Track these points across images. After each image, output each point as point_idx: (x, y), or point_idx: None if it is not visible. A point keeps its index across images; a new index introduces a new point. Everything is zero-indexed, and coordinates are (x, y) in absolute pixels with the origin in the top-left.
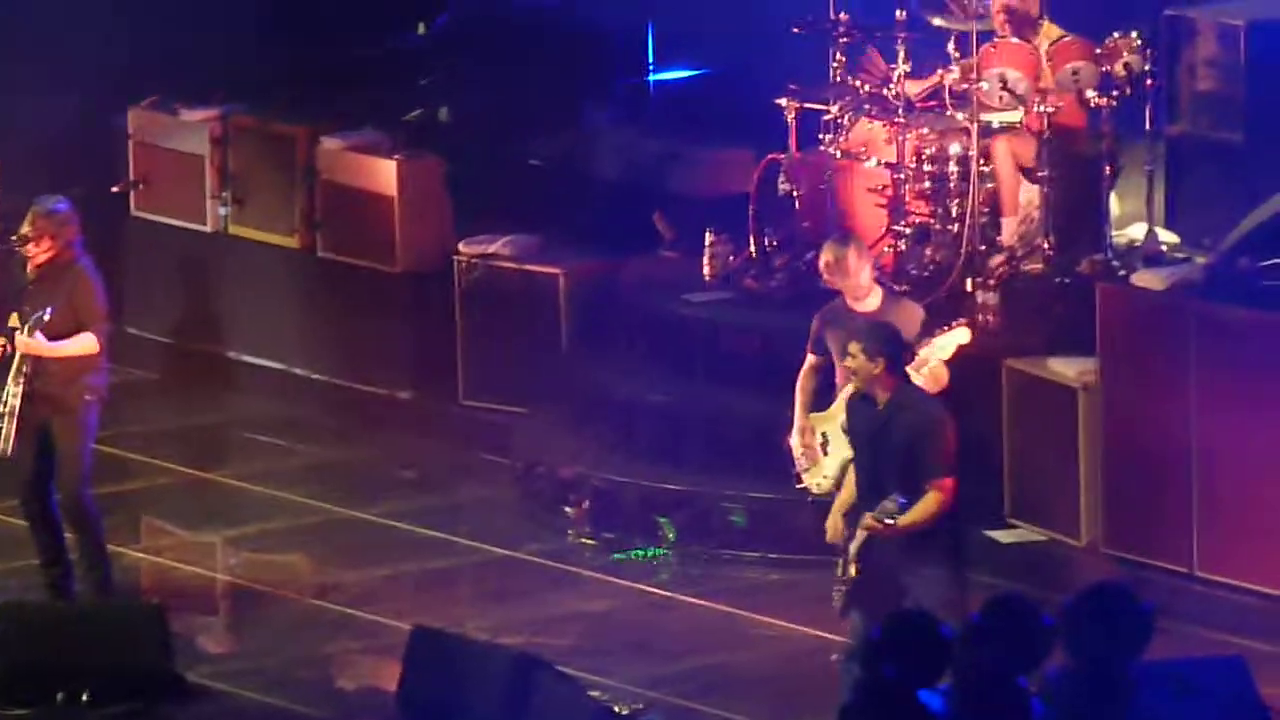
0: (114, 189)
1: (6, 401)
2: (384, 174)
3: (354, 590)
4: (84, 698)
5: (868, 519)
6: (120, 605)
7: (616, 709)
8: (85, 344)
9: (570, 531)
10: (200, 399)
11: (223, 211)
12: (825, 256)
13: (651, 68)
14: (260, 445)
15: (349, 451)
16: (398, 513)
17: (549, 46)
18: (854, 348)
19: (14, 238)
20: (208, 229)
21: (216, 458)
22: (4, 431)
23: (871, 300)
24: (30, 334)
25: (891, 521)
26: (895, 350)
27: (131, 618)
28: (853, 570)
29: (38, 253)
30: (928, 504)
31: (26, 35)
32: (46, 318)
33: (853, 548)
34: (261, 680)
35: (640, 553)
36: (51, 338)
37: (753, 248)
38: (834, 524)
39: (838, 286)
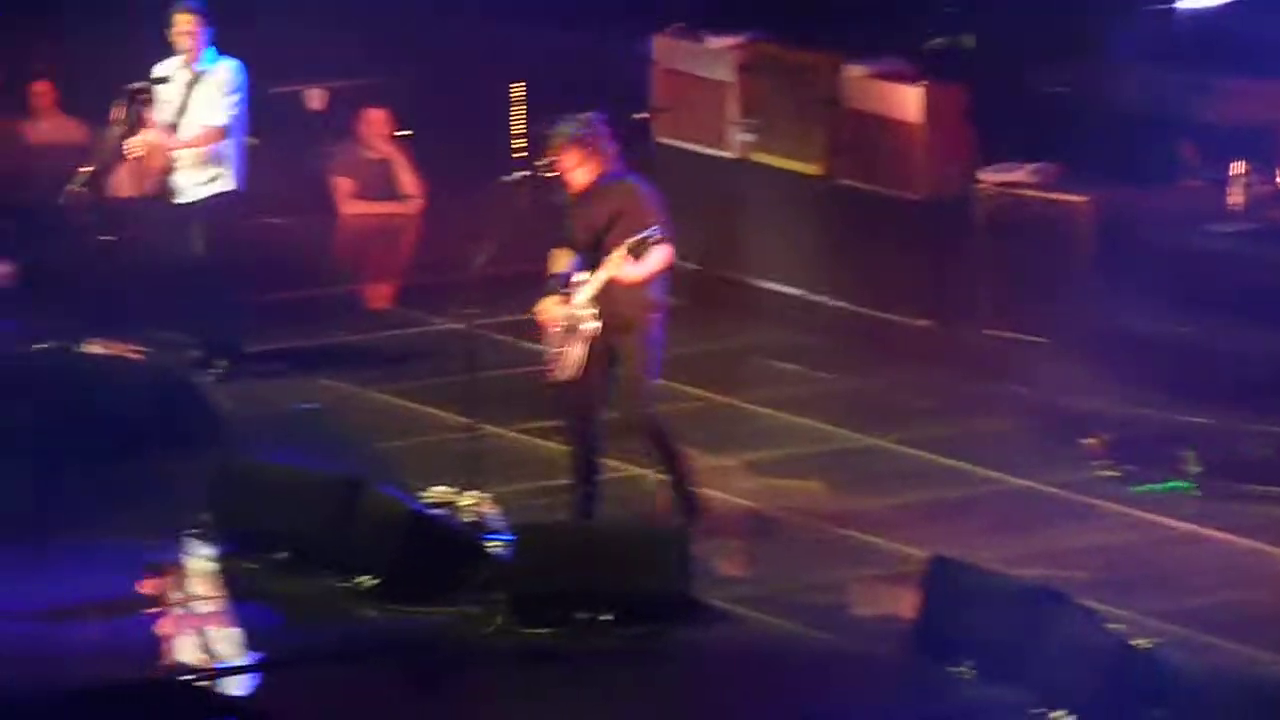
0: (637, 115)
1: (579, 326)
2: (909, 101)
3: (870, 518)
4: (603, 619)
5: None
6: (642, 528)
7: (1135, 643)
8: (664, 258)
9: (1090, 464)
10: (722, 324)
11: (745, 138)
12: None
13: None
14: (780, 371)
15: (867, 379)
16: (915, 440)
17: None
18: None
19: (540, 164)
20: (730, 155)
21: (737, 382)
22: (574, 357)
23: None
24: (624, 258)
25: None
26: None
27: (653, 540)
28: None
29: (573, 174)
30: None
31: None
32: (649, 238)
33: None
34: (777, 605)
35: (1162, 486)
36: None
37: None
38: None
39: None
